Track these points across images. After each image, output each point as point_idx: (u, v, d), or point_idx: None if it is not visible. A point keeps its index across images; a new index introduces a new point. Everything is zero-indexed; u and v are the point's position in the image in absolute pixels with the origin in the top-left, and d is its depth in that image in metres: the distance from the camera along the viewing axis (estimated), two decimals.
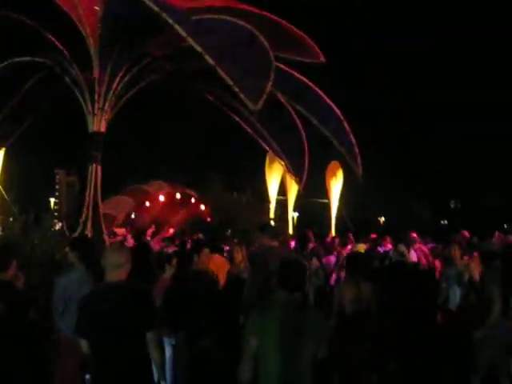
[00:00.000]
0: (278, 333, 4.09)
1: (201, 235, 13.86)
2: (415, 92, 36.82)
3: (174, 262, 7.80)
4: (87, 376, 4.52)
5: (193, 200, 28.53)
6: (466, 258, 9.50)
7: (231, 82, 10.12)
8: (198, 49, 10.16)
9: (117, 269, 4.40)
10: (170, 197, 27.86)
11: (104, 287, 4.54)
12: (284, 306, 4.23)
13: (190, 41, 10.32)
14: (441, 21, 37.37)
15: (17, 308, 5.33)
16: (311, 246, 11.74)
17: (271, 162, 24.94)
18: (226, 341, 6.16)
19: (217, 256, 8.57)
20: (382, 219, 39.46)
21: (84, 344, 4.44)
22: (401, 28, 37.51)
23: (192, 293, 6.64)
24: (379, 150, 31.09)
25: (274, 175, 26.37)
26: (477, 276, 8.00)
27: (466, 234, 12.75)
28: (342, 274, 10.79)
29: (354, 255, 7.97)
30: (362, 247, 11.45)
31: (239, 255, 8.71)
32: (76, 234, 12.58)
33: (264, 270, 6.54)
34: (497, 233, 15.51)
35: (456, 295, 8.60)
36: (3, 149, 17.66)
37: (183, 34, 10.39)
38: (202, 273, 7.24)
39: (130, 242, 14.33)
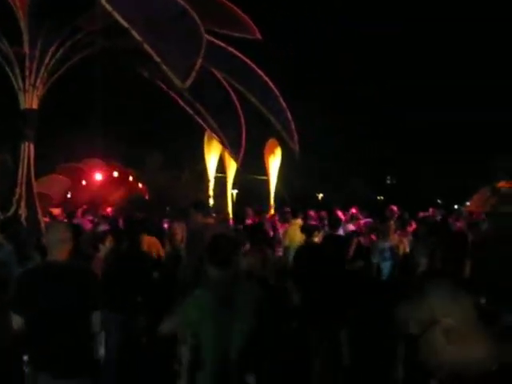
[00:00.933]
0: (212, 310, 4.11)
1: (138, 214, 13.71)
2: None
3: (108, 240, 7.76)
4: (25, 357, 4.42)
5: (130, 178, 28.25)
6: (397, 232, 9.80)
7: (158, 59, 9.94)
8: (124, 24, 9.96)
9: (61, 245, 4.33)
10: (107, 175, 27.50)
11: (46, 265, 4.49)
12: (216, 283, 4.23)
13: (116, 16, 10.10)
14: (412, 8, 37.58)
15: None
16: (249, 222, 11.79)
17: (210, 140, 24.84)
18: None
19: (148, 237, 8.49)
20: (321, 196, 39.97)
21: (17, 320, 4.30)
22: (371, 15, 37.60)
23: (128, 271, 6.61)
24: (319, 127, 31.34)
25: (213, 152, 26.28)
26: (407, 249, 8.30)
27: (395, 209, 13.04)
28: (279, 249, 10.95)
29: None
30: (298, 223, 11.51)
31: (179, 233, 8.67)
32: (9, 214, 12.27)
33: (199, 248, 6.54)
34: (431, 209, 15.98)
35: (387, 268, 8.86)
36: None
37: (109, 8, 10.16)
38: (136, 251, 7.20)
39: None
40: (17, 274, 4.92)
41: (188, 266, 6.78)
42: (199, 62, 10.34)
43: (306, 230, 7.97)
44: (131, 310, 6.48)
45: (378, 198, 39.12)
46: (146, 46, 9.97)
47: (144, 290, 6.83)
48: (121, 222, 10.62)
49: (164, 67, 10.10)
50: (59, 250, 4.35)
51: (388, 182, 44.13)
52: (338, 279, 6.77)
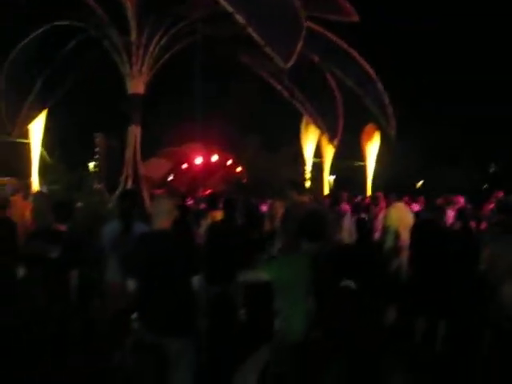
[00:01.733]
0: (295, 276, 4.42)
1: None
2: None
3: (209, 217, 8.20)
4: (134, 315, 4.88)
5: (229, 162, 28.91)
6: None
7: (262, 41, 10.20)
8: (229, 9, 10.26)
9: (165, 215, 4.76)
10: (207, 159, 28.27)
11: (151, 233, 4.92)
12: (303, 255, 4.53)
13: (221, 1, 10.42)
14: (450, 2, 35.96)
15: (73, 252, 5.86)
16: (345, 206, 11.90)
17: (307, 125, 25.04)
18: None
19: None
20: (419, 184, 39.22)
21: (131, 283, 4.83)
22: (409, 11, 36.33)
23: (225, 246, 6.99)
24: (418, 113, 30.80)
25: (310, 137, 26.49)
26: None
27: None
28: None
29: None
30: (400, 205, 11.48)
31: (279, 212, 8.96)
32: (117, 193, 12.98)
33: (293, 224, 6.80)
34: None
35: None
36: (44, 111, 18.17)
37: None
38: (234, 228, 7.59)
39: None
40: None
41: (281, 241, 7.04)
42: (300, 43, 10.54)
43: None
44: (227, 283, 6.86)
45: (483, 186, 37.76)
46: (250, 30, 10.24)
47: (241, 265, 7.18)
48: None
49: (267, 49, 10.35)
50: (163, 220, 4.78)
51: (492, 169, 42.52)
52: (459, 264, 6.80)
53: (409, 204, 13.34)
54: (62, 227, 6.07)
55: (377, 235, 10.86)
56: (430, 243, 7.21)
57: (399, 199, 12.50)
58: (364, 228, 9.33)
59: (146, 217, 6.76)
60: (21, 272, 6.04)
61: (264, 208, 11.83)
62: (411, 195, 15.68)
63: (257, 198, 14.54)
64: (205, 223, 8.09)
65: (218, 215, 8.39)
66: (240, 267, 5.24)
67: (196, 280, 4.89)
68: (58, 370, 5.65)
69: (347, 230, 10.00)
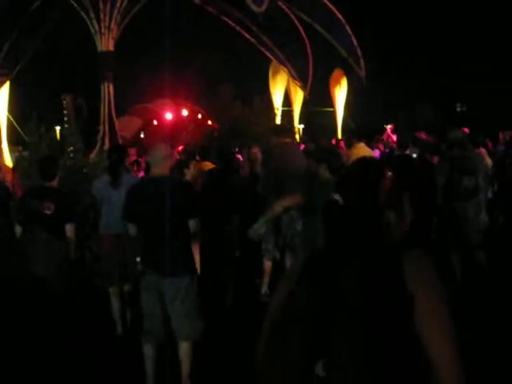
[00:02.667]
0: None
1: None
2: None
3: (192, 165, 8.44)
4: (138, 258, 5.11)
5: (199, 116, 28.88)
6: None
7: None
8: None
9: (161, 162, 4.94)
10: (177, 114, 28.19)
11: (149, 178, 5.12)
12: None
13: None
14: None
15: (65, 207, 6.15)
16: None
17: (275, 73, 24.99)
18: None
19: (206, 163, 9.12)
20: (389, 126, 39.56)
21: (132, 227, 5.10)
22: None
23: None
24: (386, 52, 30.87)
25: (279, 86, 26.44)
26: None
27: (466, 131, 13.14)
28: None
29: None
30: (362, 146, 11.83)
31: (258, 157, 9.17)
32: (95, 152, 13.05)
33: (277, 163, 7.05)
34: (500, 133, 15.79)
35: None
36: (8, 81, 17.78)
37: None
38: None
39: (132, 157, 14.64)
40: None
41: (267, 180, 7.29)
42: None
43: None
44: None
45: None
46: None
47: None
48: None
49: None
50: (160, 166, 4.96)
51: (458, 109, 43.05)
52: None
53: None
54: (53, 183, 6.24)
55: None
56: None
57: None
58: None
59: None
60: (18, 230, 6.24)
61: (239, 156, 12.06)
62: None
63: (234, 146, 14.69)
64: (188, 173, 8.31)
65: (207, 165, 8.74)
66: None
67: (194, 223, 5.11)
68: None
69: None
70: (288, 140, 7.94)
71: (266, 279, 7.33)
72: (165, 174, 4.98)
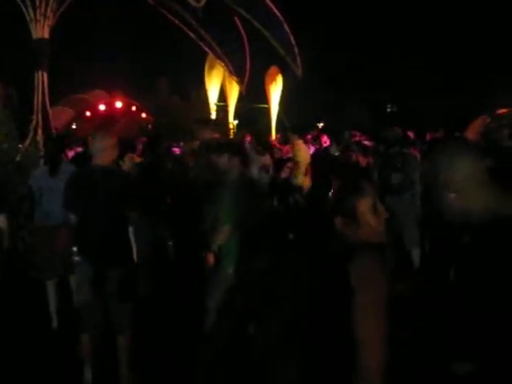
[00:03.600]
0: None
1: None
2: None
3: (127, 158, 8.44)
4: (74, 248, 5.05)
5: (134, 108, 28.52)
6: None
7: None
8: None
9: (102, 152, 4.90)
10: (111, 106, 27.77)
11: (90, 167, 5.06)
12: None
13: None
14: None
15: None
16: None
17: (210, 68, 24.97)
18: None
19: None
20: (321, 125, 40.22)
21: (73, 217, 5.02)
22: None
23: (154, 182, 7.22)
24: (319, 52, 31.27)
25: (214, 81, 26.43)
26: None
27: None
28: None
29: None
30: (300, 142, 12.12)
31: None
32: (28, 141, 12.76)
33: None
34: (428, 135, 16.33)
35: None
36: None
37: None
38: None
39: (69, 154, 14.37)
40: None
41: (201, 175, 7.30)
42: None
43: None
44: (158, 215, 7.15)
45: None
46: None
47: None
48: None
49: None
50: (102, 157, 4.93)
51: (388, 110, 44.24)
52: None
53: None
54: None
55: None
56: None
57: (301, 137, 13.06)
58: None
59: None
60: None
61: (176, 150, 12.05)
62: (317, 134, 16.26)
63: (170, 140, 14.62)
64: (124, 166, 8.30)
65: (135, 158, 8.70)
66: None
67: (133, 214, 5.13)
68: None
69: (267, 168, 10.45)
70: (217, 135, 8.04)
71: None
72: (106, 164, 4.96)
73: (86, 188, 4.85)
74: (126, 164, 8.31)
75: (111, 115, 27.58)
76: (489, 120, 17.54)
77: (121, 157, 8.77)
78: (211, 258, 5.17)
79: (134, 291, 5.04)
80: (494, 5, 31.70)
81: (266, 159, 10.76)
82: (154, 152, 7.84)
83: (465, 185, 2.47)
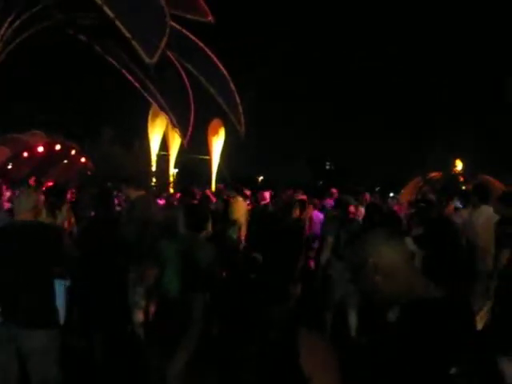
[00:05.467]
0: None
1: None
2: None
3: (64, 209, 8.20)
4: None
5: (73, 152, 28.10)
6: None
7: (129, 36, 10.25)
8: (98, 1, 10.19)
9: (25, 212, 4.69)
10: (49, 148, 27.27)
11: (12, 223, 4.82)
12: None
13: None
14: None
15: None
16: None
17: (154, 117, 25.06)
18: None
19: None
20: (261, 178, 40.71)
21: None
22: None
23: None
24: (264, 111, 31.85)
25: (157, 130, 26.50)
26: None
27: (335, 191, 13.89)
28: None
29: None
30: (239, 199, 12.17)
31: None
32: None
33: (138, 216, 7.03)
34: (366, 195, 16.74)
35: None
36: None
37: None
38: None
39: (6, 194, 13.94)
40: None
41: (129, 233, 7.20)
42: (165, 40, 10.71)
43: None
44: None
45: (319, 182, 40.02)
46: (118, 23, 10.21)
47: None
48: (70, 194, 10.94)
49: (134, 43, 10.38)
50: (24, 214, 4.67)
51: (327, 167, 45.22)
52: None
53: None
54: None
55: None
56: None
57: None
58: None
59: None
60: None
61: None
62: (254, 189, 16.43)
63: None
64: (60, 216, 8.10)
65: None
66: None
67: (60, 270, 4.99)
68: None
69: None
70: (142, 193, 8.01)
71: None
72: (29, 219, 4.75)
73: (5, 244, 4.64)
74: (63, 215, 8.09)
75: (49, 157, 27.11)
76: (422, 183, 18.16)
77: (58, 206, 8.56)
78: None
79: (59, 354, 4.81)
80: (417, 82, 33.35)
81: None
82: (108, 205, 7.58)
83: (391, 270, 2.56)
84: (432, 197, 14.26)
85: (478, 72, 31.64)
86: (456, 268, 5.82)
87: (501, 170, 24.55)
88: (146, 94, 17.01)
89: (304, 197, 12.94)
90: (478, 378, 2.54)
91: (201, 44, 15.96)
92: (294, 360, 1.93)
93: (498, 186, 22.03)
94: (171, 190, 20.52)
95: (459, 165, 24.95)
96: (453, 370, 2.47)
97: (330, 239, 8.07)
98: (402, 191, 24.29)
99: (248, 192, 15.44)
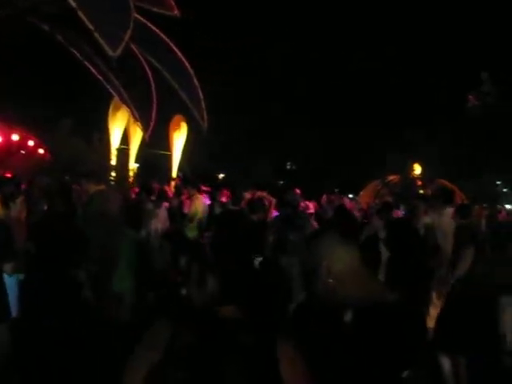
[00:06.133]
0: None
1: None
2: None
3: (20, 200, 8.07)
4: None
5: (31, 143, 27.57)
6: None
7: (92, 27, 10.10)
8: None
9: None
10: (6, 138, 26.69)
11: None
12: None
13: None
14: None
15: None
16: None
17: (115, 111, 24.74)
18: None
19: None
20: (222, 175, 40.63)
21: None
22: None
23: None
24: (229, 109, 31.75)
25: (118, 124, 26.17)
26: None
27: (299, 192, 14.01)
28: None
29: None
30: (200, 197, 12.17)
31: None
32: None
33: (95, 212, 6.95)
34: (324, 195, 16.95)
35: None
36: None
37: None
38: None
39: None
40: None
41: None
42: (129, 33, 10.58)
43: None
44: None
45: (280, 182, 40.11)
46: (81, 14, 10.04)
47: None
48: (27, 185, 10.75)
49: (97, 35, 10.22)
50: None
51: (288, 167, 45.41)
52: None
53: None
54: None
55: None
56: None
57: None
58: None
59: None
60: None
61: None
62: (215, 186, 16.42)
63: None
64: (14, 207, 7.97)
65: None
66: None
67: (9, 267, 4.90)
68: None
69: (162, 220, 10.35)
70: (102, 187, 7.97)
71: None
72: None
73: None
74: (18, 207, 7.94)
75: (6, 148, 26.52)
76: (380, 186, 18.49)
77: (12, 198, 8.40)
78: None
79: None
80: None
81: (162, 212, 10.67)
82: (66, 199, 7.43)
83: (344, 274, 2.60)
84: (390, 199, 14.55)
85: (443, 83, 32.12)
86: (414, 271, 5.91)
87: (458, 176, 25.10)
88: (108, 87, 16.77)
89: (268, 196, 13.06)
90: (429, 380, 2.58)
91: (166, 38, 15.83)
92: (272, 367, 1.94)
93: (453, 189, 22.56)
94: (131, 185, 20.34)
95: (418, 169, 25.31)
96: (405, 374, 2.51)
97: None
98: (361, 193, 24.56)
99: (207, 189, 15.44)
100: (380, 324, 2.50)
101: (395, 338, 2.50)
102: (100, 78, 16.40)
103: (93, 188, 7.67)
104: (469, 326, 5.83)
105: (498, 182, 33.51)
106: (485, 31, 31.50)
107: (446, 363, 6.06)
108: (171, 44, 15.92)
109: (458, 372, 6.09)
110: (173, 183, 24.01)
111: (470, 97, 33.66)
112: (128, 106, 17.74)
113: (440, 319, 6.33)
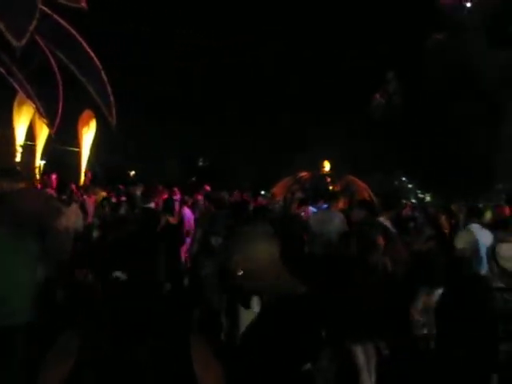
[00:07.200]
0: None
1: None
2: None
3: None
4: None
5: None
6: None
7: None
8: None
9: None
10: None
11: None
12: None
13: None
14: None
15: None
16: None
17: (20, 106, 23.88)
18: None
19: None
20: (132, 173, 40.06)
21: None
22: None
23: None
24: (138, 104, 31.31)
25: (23, 119, 25.28)
26: None
27: (208, 188, 14.06)
28: None
29: None
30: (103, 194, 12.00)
31: None
32: None
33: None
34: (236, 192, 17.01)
35: None
36: None
37: None
38: None
39: None
40: None
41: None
42: (34, 23, 10.22)
43: None
44: None
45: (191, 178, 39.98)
46: None
47: None
48: None
49: (1, 25, 9.82)
50: None
51: (201, 163, 45.33)
52: None
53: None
54: None
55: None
56: None
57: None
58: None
59: None
60: None
61: None
62: (125, 184, 16.16)
63: None
64: None
65: None
66: None
67: None
68: None
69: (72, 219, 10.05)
70: (21, 185, 7.65)
71: None
72: None
73: None
74: None
75: None
76: (291, 182, 18.82)
77: None
78: None
79: None
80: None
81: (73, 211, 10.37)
82: None
83: (253, 268, 2.66)
84: (300, 195, 14.82)
85: (349, 86, 32.85)
86: (313, 265, 6.05)
87: (368, 173, 26.03)
88: (11, 80, 16.15)
89: (178, 196, 12.99)
90: (333, 372, 2.65)
91: (73, 31, 15.41)
92: (187, 368, 1.97)
93: (361, 185, 23.38)
94: (36, 182, 19.68)
95: (327, 166, 25.92)
96: (307, 366, 2.57)
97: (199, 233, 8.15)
98: (273, 190, 24.90)
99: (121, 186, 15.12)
100: (284, 316, 2.57)
101: (297, 331, 2.56)
102: (2, 70, 15.79)
103: (6, 186, 7.31)
104: (379, 314, 5.98)
105: (404, 179, 34.83)
106: (389, 32, 32.46)
107: (359, 352, 6.19)
108: (79, 38, 15.50)
109: (369, 360, 6.25)
110: (81, 181, 23.48)
111: (376, 95, 34.79)
112: (33, 101, 17.14)
113: (350, 309, 6.49)
